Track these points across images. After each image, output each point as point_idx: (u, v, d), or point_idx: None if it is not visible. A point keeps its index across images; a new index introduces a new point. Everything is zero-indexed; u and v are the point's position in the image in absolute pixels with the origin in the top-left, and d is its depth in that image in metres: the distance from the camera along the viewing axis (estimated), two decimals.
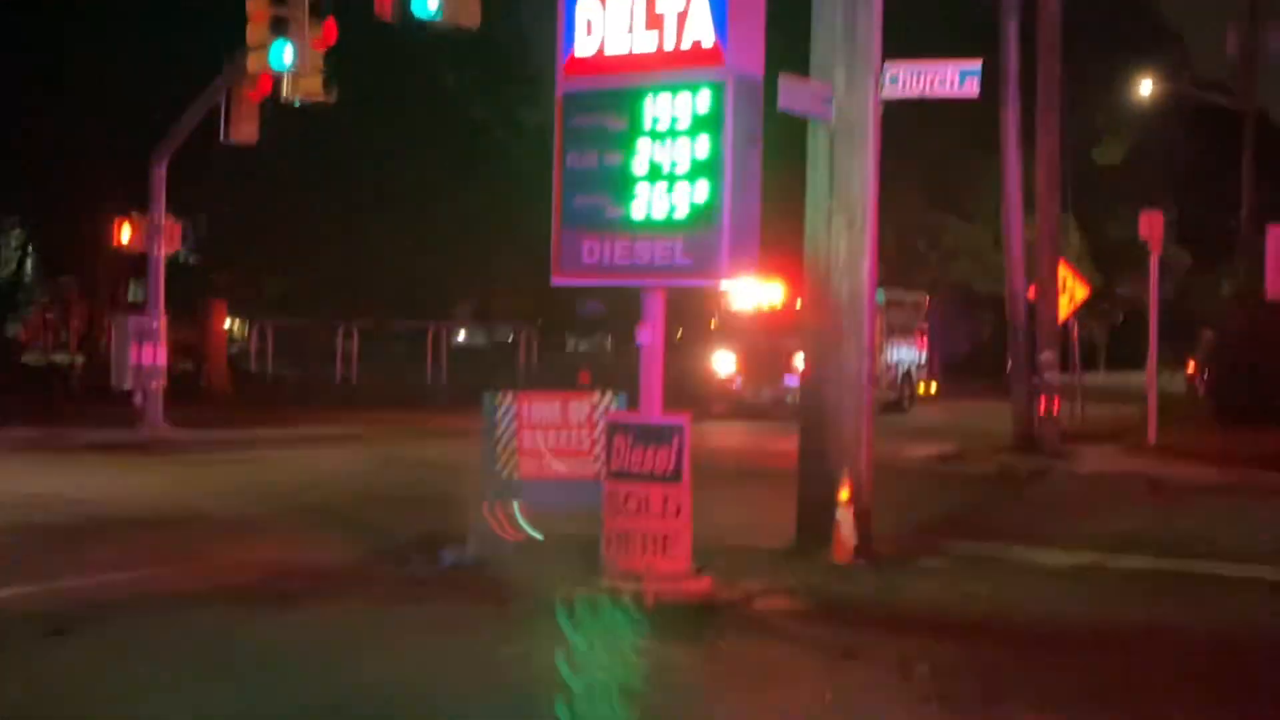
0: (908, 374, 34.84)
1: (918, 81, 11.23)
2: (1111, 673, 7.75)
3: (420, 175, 34.09)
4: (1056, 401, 21.49)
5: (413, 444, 23.61)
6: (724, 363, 31.96)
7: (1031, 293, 21.83)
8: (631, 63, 9.51)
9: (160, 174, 23.05)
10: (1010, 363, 22.38)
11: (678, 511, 9.25)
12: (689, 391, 27.30)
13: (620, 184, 9.44)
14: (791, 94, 10.72)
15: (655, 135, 9.35)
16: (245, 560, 10.89)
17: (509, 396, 11.09)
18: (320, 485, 16.90)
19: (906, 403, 34.28)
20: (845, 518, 10.85)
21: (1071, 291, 23.22)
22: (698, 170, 9.22)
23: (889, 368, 33.39)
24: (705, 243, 9.22)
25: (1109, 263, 40.18)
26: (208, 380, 33.22)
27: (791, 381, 29.56)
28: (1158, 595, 10.06)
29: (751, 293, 30.37)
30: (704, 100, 9.21)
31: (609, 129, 9.52)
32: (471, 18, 17.23)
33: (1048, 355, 21.43)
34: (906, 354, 34.88)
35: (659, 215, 9.31)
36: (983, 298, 47.36)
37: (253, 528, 12.92)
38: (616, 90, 9.52)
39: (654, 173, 9.35)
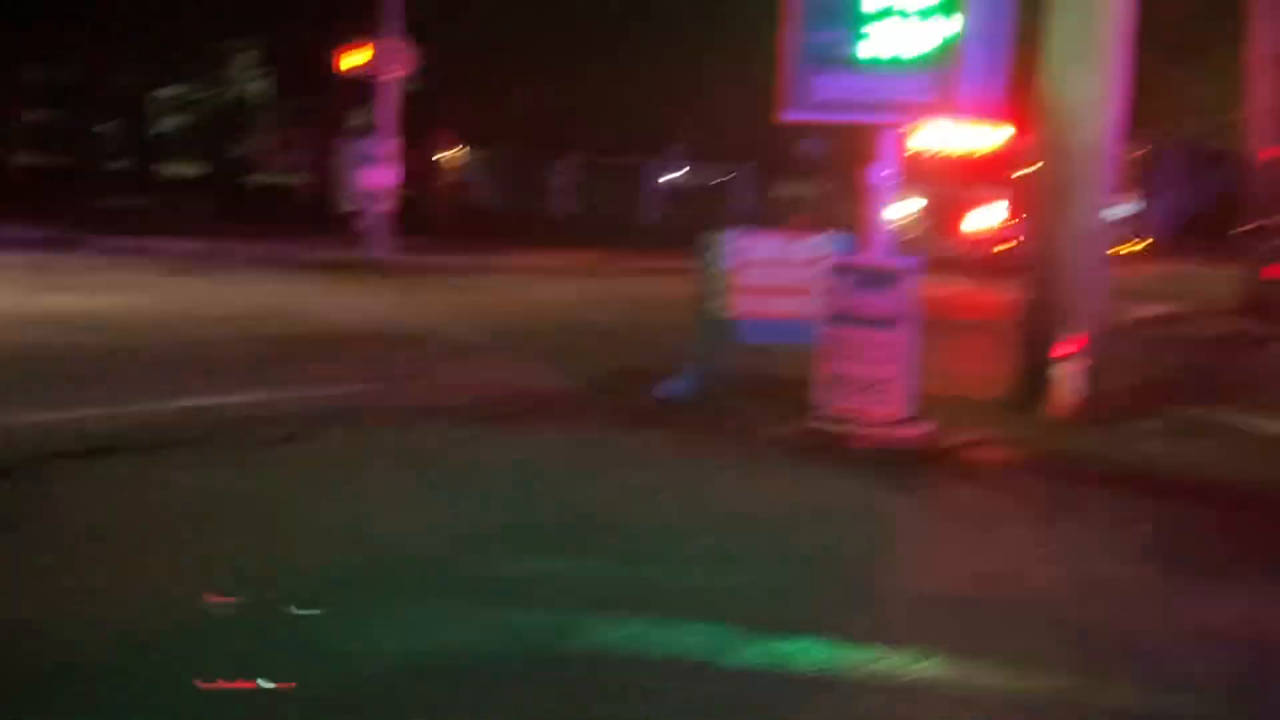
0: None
1: None
2: None
3: (642, 6, 33.79)
4: None
5: (626, 280, 23.79)
6: (911, 211, 31.22)
7: (1271, 153, 20.82)
8: None
9: None
10: (1242, 225, 21.46)
11: (897, 357, 9.10)
12: None
13: (857, 17, 9.09)
14: None
15: None
16: (466, 381, 11.13)
17: (729, 234, 11.04)
18: (537, 315, 17.23)
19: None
20: (1070, 373, 10.56)
21: None
22: (940, 3, 8.83)
23: None
24: (948, 78, 8.83)
25: None
26: (429, 207, 33.87)
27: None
28: None
29: (950, 137, 29.72)
30: None
31: None
32: None
33: None
34: (1116, 209, 33.77)
35: (899, 49, 8.94)
36: (1213, 157, 45.29)
37: (472, 351, 13.21)
38: None
39: (893, 4, 8.99)
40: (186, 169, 43.12)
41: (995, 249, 28.97)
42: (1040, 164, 11.23)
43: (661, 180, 44.29)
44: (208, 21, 35.32)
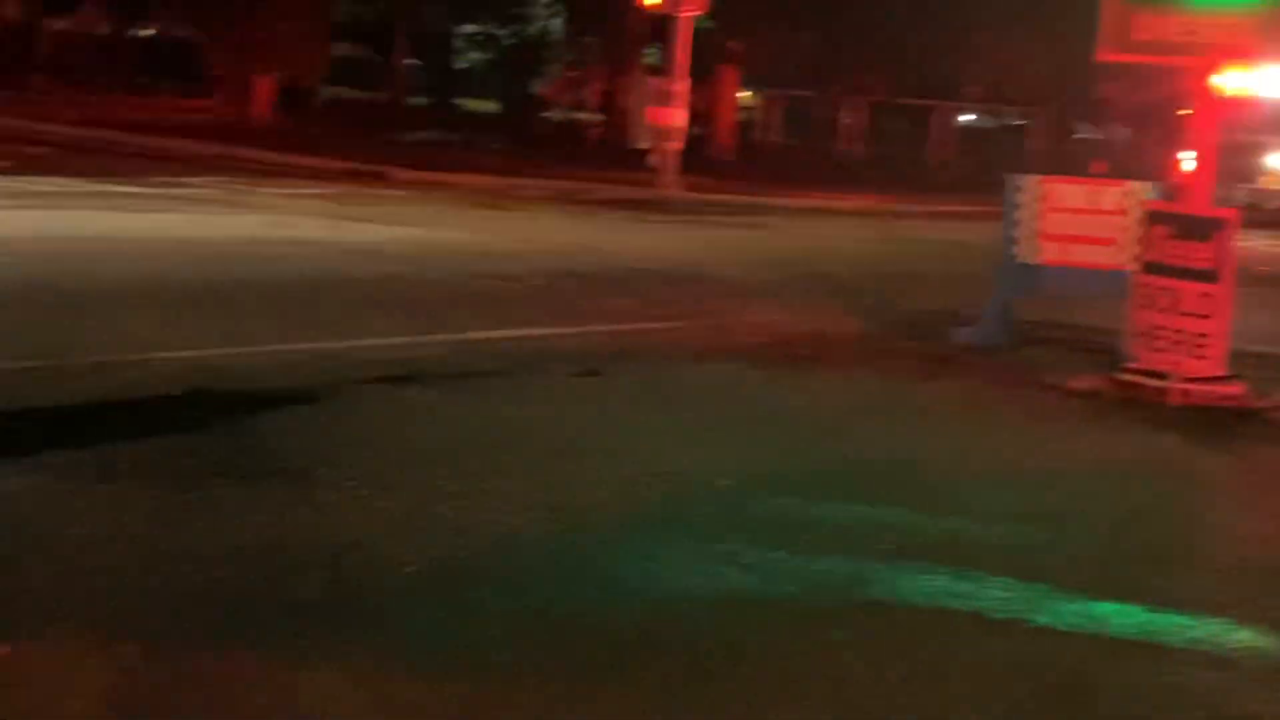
0: None
1: None
2: None
3: None
4: None
5: (918, 223, 23.39)
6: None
7: None
8: None
9: None
10: None
11: (1214, 312, 8.63)
12: None
13: None
14: None
15: None
16: (757, 322, 11.04)
17: (1034, 179, 10.66)
18: (825, 257, 17.06)
19: None
20: None
21: None
22: None
23: None
24: (1272, 20, 8.36)
25: None
26: (716, 146, 33.94)
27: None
28: None
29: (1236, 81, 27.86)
30: None
31: None
32: None
33: None
34: None
35: None
36: None
37: (761, 292, 13.13)
38: None
39: None
40: (484, 105, 44.28)
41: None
42: None
43: (956, 123, 43.32)
44: None
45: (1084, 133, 45.32)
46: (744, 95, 41.82)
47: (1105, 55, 9.36)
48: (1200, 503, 6.77)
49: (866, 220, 22.94)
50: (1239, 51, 8.75)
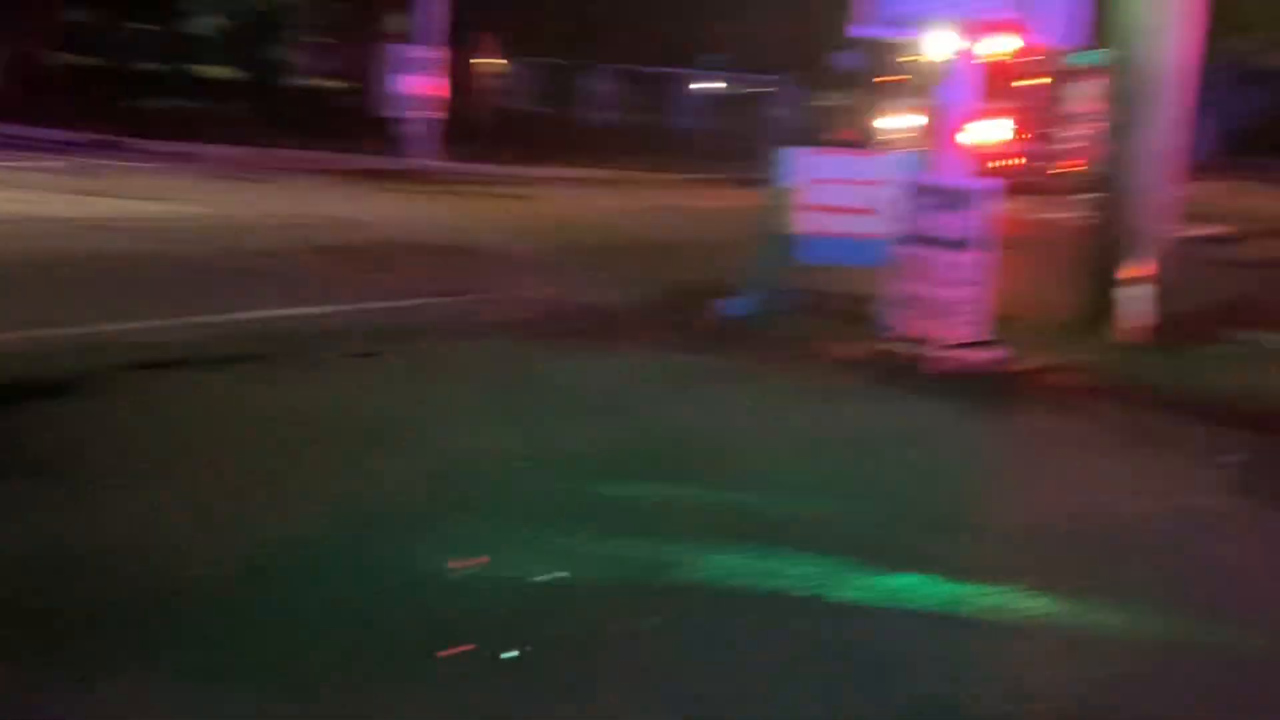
0: None
1: None
2: None
3: None
4: None
5: (672, 190, 23.62)
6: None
7: None
8: None
9: None
10: None
11: (971, 280, 8.99)
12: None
13: None
14: None
15: None
16: (530, 297, 10.98)
17: (795, 151, 10.89)
18: (590, 226, 17.15)
19: None
20: (1139, 295, 10.46)
21: None
22: None
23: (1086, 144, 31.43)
24: None
25: None
26: (469, 115, 33.61)
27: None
28: None
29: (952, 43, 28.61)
30: None
31: None
32: None
33: None
34: None
35: None
36: (1261, 74, 44.51)
37: (530, 264, 13.10)
38: None
39: None
40: (223, 72, 42.83)
41: (996, 164, 28.54)
42: (1113, 84, 11.05)
43: (698, 89, 43.87)
44: None
45: (825, 99, 46.47)
46: (497, 63, 41.50)
47: (858, 29, 9.60)
48: (971, 470, 6.97)
49: (626, 187, 23.08)
50: (990, 25, 9.12)
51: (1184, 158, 11.03)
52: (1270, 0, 35.23)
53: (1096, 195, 11.22)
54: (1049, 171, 28.95)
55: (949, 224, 9.05)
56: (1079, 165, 30.11)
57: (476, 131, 31.41)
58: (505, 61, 41.72)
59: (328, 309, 9.87)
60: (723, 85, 46.02)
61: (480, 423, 7.01)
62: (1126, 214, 10.84)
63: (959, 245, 9.00)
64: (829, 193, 10.58)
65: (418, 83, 23.49)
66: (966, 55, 9.30)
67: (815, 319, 10.55)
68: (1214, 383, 9.30)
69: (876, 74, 29.03)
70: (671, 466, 6.46)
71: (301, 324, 9.23)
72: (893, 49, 28.15)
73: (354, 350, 8.37)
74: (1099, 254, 10.97)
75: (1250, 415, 8.39)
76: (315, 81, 41.03)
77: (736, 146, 35.10)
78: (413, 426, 6.80)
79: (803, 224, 10.59)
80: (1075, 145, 29.48)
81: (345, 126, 29.26)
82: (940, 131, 9.60)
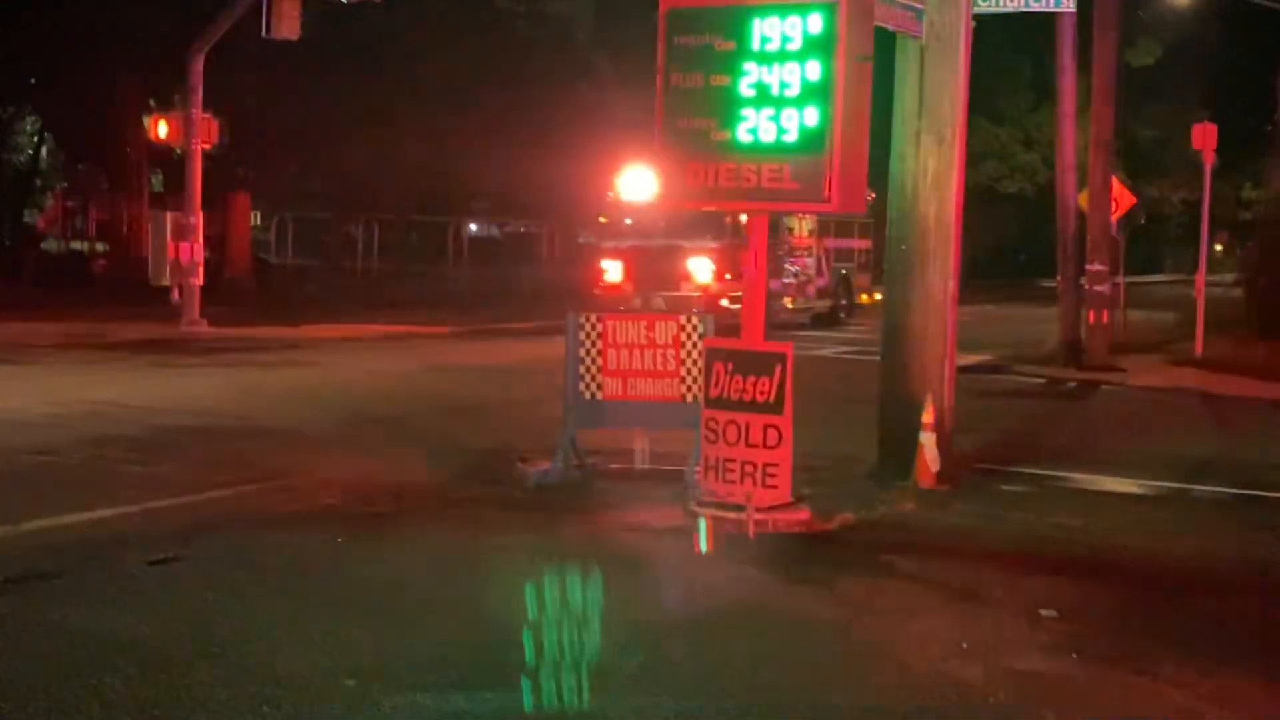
0: (845, 280, 32.07)
1: None
2: (1246, 618, 7.60)
3: (447, 71, 33.62)
4: (1105, 313, 21.33)
5: (457, 345, 23.45)
6: (611, 268, 28.10)
7: (1082, 200, 21.59)
8: None
9: (198, 67, 22.77)
10: (1060, 272, 22.10)
11: (779, 441, 9.06)
12: (585, 299, 26.46)
13: (727, 106, 9.11)
14: (883, 9, 10.43)
15: (764, 58, 9.00)
16: (328, 478, 10.62)
17: (592, 316, 10.90)
18: (376, 392, 16.84)
19: (842, 313, 31.80)
20: (929, 442, 10.68)
21: (1117, 199, 22.87)
22: (808, 94, 8.89)
23: (813, 274, 30.32)
24: (814, 168, 8.90)
25: (1138, 163, 39.68)
26: (231, 272, 33.01)
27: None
28: (1255, 528, 9.96)
29: (647, 187, 26.05)
30: (815, 22, 8.85)
31: (715, 49, 9.17)
32: None
33: (1098, 266, 21.22)
34: (844, 258, 32.00)
35: (767, 139, 9.00)
36: (1007, 199, 46.92)
37: (322, 440, 12.72)
38: (725, 9, 9.17)
39: (762, 96, 9.02)
40: None
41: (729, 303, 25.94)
42: (892, 237, 11.41)
43: (469, 235, 44.10)
44: None
45: (589, 239, 47.21)
46: (262, 221, 41.02)
47: (666, 202, 9.73)
48: (808, 647, 6.88)
49: (405, 345, 22.84)
50: (780, 197, 9.33)
51: (957, 297, 11.46)
52: (1000, 138, 37.42)
53: (885, 343, 11.52)
54: (790, 307, 29.26)
55: (758, 387, 9.16)
56: (809, 298, 30.44)
57: (242, 293, 30.86)
58: (268, 218, 41.33)
59: (121, 510, 9.29)
60: (490, 230, 46.40)
61: (299, 633, 6.67)
62: (911, 361, 11.16)
63: (769, 408, 9.09)
64: (628, 356, 10.68)
65: (184, 248, 22.95)
66: (760, 217, 9.53)
67: (622, 483, 10.56)
68: (1017, 528, 9.57)
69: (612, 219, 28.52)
70: (503, 673, 6.13)
71: (95, 530, 8.71)
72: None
73: (153, 556, 7.88)
74: (889, 402, 11.27)
75: (1058, 561, 8.65)
76: (69, 245, 39.89)
77: (515, 294, 35.33)
78: (227, 644, 6.43)
79: (605, 388, 10.68)
80: (800, 280, 29.79)
81: (106, 293, 28.43)
82: (746, 295, 9.78)
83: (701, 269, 26.91)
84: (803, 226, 29.97)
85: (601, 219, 29.08)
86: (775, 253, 27.18)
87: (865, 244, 32.24)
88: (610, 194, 27.98)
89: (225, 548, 8.40)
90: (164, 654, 6.29)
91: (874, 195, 31.32)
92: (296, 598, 7.43)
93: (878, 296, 32.50)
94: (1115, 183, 22.85)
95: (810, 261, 30.30)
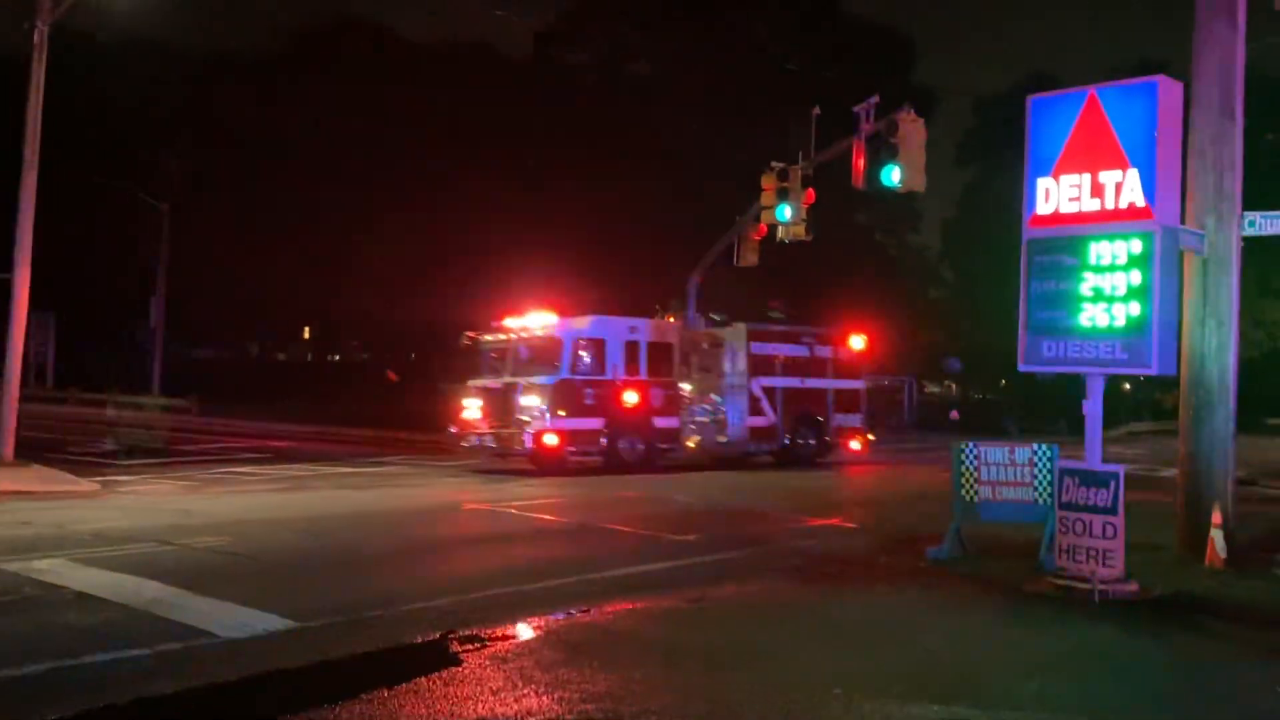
0: (811, 421, 28.08)
1: (1272, 224, 13.35)
2: None
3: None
4: None
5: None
6: (469, 405, 25.05)
7: None
8: (1080, 218, 11.02)
9: None
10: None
11: (1115, 534, 10.58)
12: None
13: (1072, 302, 10.90)
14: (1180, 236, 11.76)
15: (1098, 269, 10.74)
16: (792, 547, 13.09)
17: (970, 444, 12.90)
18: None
19: (813, 454, 27.74)
20: (1219, 535, 12.00)
21: None
22: (1131, 294, 10.57)
23: (739, 414, 26.85)
24: (1139, 344, 10.62)
25: None
26: None
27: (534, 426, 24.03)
28: None
29: (515, 321, 25.12)
30: (1137, 245, 10.62)
31: (1064, 264, 11.00)
32: (919, 185, 21.62)
33: None
34: (811, 400, 27.64)
35: (1102, 324, 10.68)
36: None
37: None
38: (1070, 237, 11.01)
39: (1097, 295, 10.74)
40: None
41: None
42: (1188, 392, 13.09)
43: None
44: None
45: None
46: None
47: (1025, 367, 11.46)
48: (1149, 675, 8.23)
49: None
50: (1112, 364, 11.13)
51: (1235, 434, 14.04)
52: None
53: (1183, 466, 13.41)
54: (691, 447, 26.42)
55: (1094, 495, 10.82)
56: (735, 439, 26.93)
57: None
58: None
59: (659, 566, 12.01)
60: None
61: (795, 654, 8.53)
62: (1203, 479, 12.63)
63: (1103, 510, 10.68)
64: (994, 471, 13.11)
65: None
66: (1097, 378, 11.22)
67: (995, 562, 12.20)
68: None
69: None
70: (939, 687, 7.54)
71: (638, 580, 11.28)
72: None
73: (689, 597, 10.20)
74: (1188, 506, 12.73)
75: None
76: None
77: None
78: (766, 655, 8.20)
79: (979, 494, 12.95)
80: (715, 419, 26.94)
81: None
82: (1089, 431, 11.63)
83: (533, 405, 24.11)
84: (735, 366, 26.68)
85: (464, 339, 26.33)
86: (673, 395, 25.63)
87: (852, 385, 28.71)
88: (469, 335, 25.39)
89: (736, 594, 10.47)
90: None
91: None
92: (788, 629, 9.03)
93: (870, 437, 30.15)
94: None
95: (739, 401, 26.86)
